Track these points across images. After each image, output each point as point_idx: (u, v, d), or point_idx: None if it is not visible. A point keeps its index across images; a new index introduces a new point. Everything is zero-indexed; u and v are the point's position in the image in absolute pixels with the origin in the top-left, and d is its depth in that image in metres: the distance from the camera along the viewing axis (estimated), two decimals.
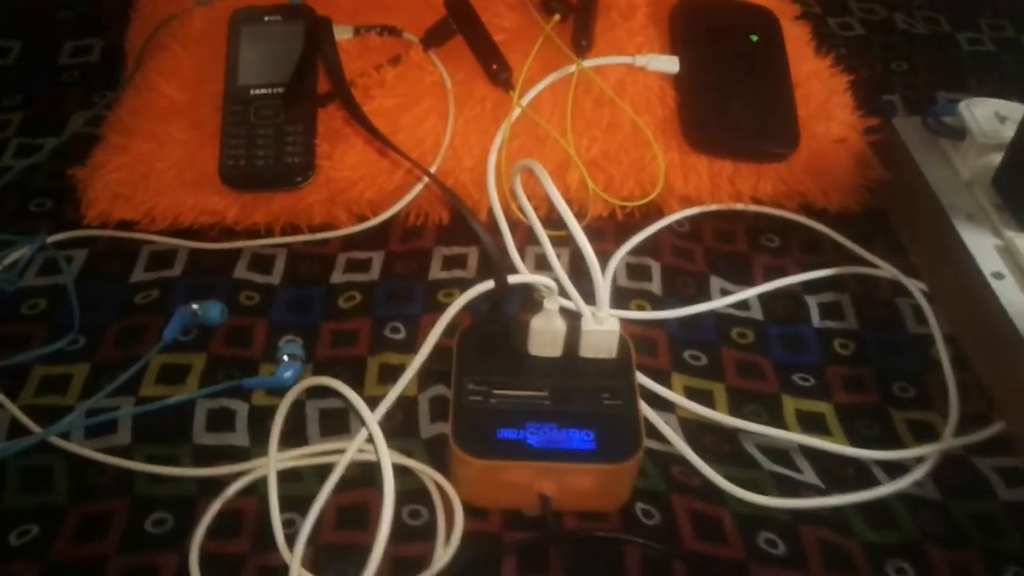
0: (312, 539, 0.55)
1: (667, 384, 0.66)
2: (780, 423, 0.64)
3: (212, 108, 0.74)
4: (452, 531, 0.56)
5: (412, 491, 0.59)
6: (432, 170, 0.73)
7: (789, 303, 0.73)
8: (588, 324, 0.60)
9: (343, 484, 0.58)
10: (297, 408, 0.62)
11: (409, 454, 0.60)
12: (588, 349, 0.61)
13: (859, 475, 0.62)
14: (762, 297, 0.73)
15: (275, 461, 0.57)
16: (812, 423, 0.65)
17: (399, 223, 0.77)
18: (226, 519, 0.56)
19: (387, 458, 0.52)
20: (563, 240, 0.72)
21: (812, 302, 0.73)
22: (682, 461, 0.61)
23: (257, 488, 0.58)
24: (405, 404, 0.63)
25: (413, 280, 0.72)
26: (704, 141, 0.75)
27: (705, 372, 0.67)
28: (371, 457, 0.59)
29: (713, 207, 0.78)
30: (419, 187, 0.73)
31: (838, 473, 0.62)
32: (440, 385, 0.64)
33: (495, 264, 0.57)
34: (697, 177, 0.75)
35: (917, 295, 0.72)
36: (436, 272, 0.73)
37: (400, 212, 0.76)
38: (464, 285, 0.70)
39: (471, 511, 0.57)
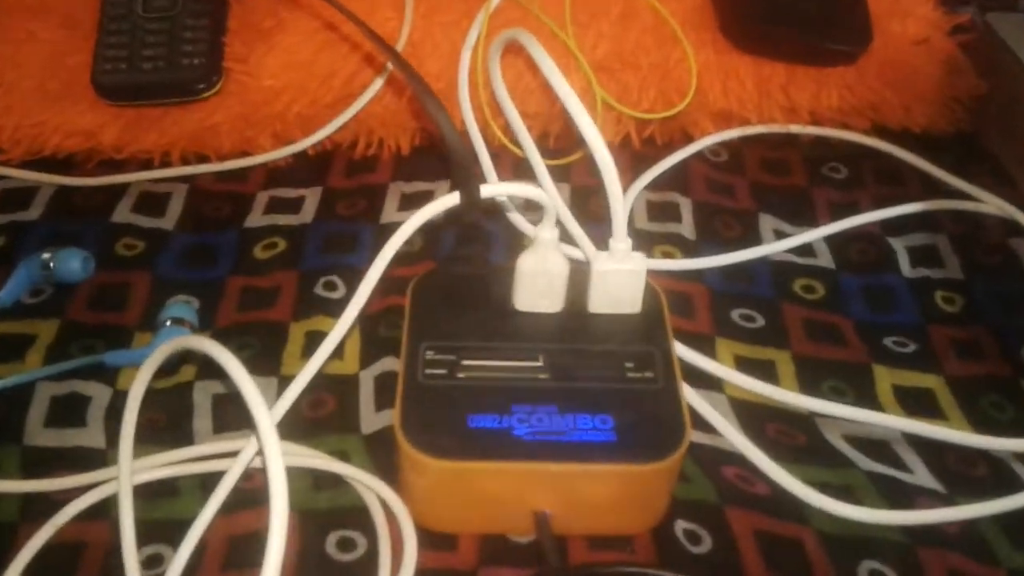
0: None
1: (711, 353, 0.47)
2: (873, 403, 0.45)
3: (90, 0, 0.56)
4: (400, 569, 0.37)
5: (343, 510, 0.39)
6: (380, 81, 0.55)
7: (868, 247, 0.54)
8: (602, 262, 0.41)
9: (238, 502, 0.39)
10: (180, 394, 0.43)
11: (343, 456, 0.41)
12: (601, 300, 0.42)
13: (994, 474, 0.43)
14: (831, 240, 0.54)
15: (128, 469, 0.38)
16: (917, 403, 0.46)
17: (342, 153, 0.58)
18: (57, 556, 0.37)
19: (277, 461, 0.33)
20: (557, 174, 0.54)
21: (899, 245, 0.54)
22: (739, 460, 0.42)
23: (108, 509, 0.39)
24: (339, 386, 0.44)
25: (359, 223, 0.53)
26: (749, 36, 0.56)
27: (762, 336, 0.48)
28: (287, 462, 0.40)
29: (759, 129, 0.59)
30: (373, 88, 0.54)
31: (964, 472, 0.43)
32: (391, 358, 0.45)
33: (461, 165, 0.37)
34: (739, 85, 0.57)
35: None
36: (391, 214, 0.54)
37: (344, 138, 0.57)
38: (430, 232, 0.52)
39: (430, 539, 0.38)
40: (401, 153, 0.58)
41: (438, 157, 0.58)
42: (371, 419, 0.43)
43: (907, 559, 0.39)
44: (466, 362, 0.39)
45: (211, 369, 0.44)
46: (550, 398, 0.38)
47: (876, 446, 0.44)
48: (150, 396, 0.42)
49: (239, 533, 0.38)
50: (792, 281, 0.52)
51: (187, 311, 0.46)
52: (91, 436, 0.41)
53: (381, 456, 0.41)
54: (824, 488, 0.41)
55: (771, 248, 0.53)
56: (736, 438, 0.43)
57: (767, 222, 0.55)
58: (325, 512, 0.39)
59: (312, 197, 0.55)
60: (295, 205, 0.54)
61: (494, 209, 0.53)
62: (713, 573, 0.38)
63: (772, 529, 0.40)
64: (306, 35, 0.54)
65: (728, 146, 0.60)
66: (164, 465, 0.40)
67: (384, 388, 0.44)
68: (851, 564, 0.39)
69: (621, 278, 0.41)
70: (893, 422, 0.44)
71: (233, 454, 0.40)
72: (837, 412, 0.44)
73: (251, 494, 0.39)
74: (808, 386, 0.46)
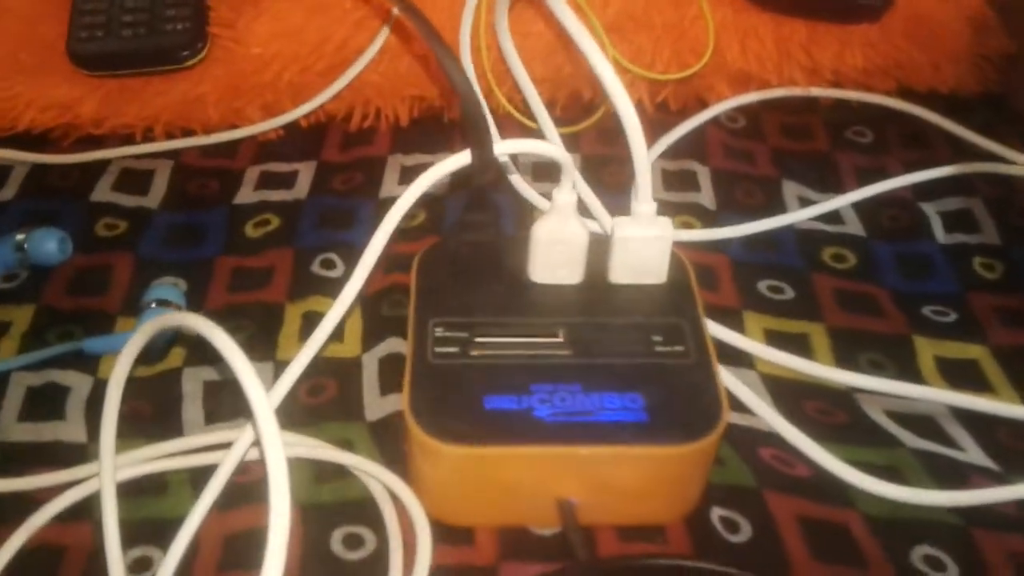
0: None
1: (739, 328, 0.44)
2: (915, 377, 0.42)
3: None
4: (414, 567, 0.34)
5: (349, 504, 0.36)
6: (377, 46, 0.51)
7: (899, 213, 0.51)
8: (624, 228, 0.37)
9: (233, 498, 0.35)
10: (167, 382, 0.40)
11: (346, 445, 0.38)
12: (624, 269, 0.38)
13: None
14: (859, 207, 0.51)
15: (111, 464, 0.34)
16: (963, 375, 0.42)
17: (337, 125, 0.54)
18: (35, 560, 0.34)
19: (277, 450, 0.29)
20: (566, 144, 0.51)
21: (931, 210, 0.51)
22: (776, 440, 0.39)
23: (91, 509, 0.35)
24: (340, 370, 0.41)
25: (357, 197, 0.50)
26: None
27: (793, 309, 0.45)
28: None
29: (779, 92, 0.56)
30: (369, 53, 0.51)
31: (1018, 447, 0.40)
32: (396, 339, 0.42)
33: (474, 120, 0.34)
34: (758, 44, 0.53)
35: None
36: (391, 187, 0.50)
37: (339, 108, 0.54)
38: (433, 203, 0.48)
39: (445, 533, 0.35)
40: (400, 124, 0.54)
41: (440, 128, 0.54)
42: (376, 404, 0.40)
43: (962, 543, 0.36)
44: (480, 339, 0.36)
45: (202, 354, 0.41)
46: (573, 376, 0.35)
47: (922, 422, 0.41)
48: (135, 384, 0.38)
49: (235, 532, 0.35)
50: (821, 250, 0.48)
51: (173, 293, 0.42)
52: (71, 430, 0.38)
53: (388, 444, 0.38)
54: (869, 468, 0.38)
55: (797, 216, 0.50)
56: (772, 417, 0.40)
57: (791, 189, 0.52)
58: (329, 506, 0.36)
59: (306, 172, 0.51)
60: (288, 180, 0.51)
61: (501, 180, 0.49)
62: (754, 563, 0.35)
63: (816, 514, 0.37)
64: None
65: (746, 111, 0.57)
66: (151, 459, 0.37)
67: (389, 371, 0.41)
68: (903, 549, 0.35)
69: (645, 245, 0.38)
70: (939, 395, 0.41)
71: (226, 446, 0.36)
72: (879, 387, 0.41)
73: (247, 489, 0.36)
74: (845, 360, 0.43)
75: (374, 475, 0.36)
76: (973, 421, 0.41)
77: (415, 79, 0.52)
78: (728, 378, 0.41)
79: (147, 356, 0.40)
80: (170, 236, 0.47)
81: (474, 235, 0.38)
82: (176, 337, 0.41)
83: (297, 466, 0.37)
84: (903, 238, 0.49)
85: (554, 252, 0.38)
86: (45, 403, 0.39)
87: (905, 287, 0.47)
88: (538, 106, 0.48)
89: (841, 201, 0.50)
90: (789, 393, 0.41)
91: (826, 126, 0.56)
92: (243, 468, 0.36)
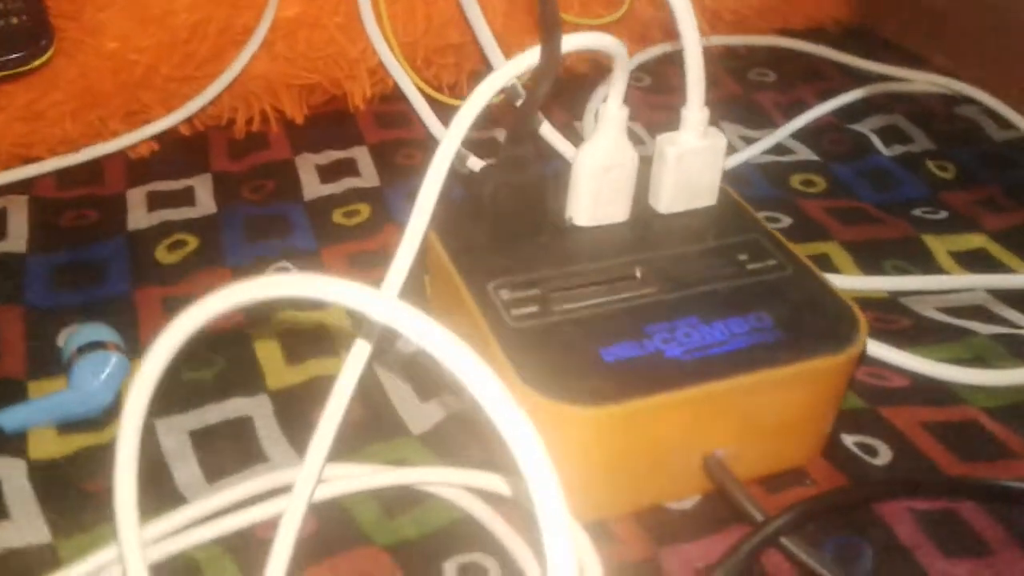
0: None
1: None
2: (938, 272, 0.40)
3: None
4: None
5: (442, 531, 0.28)
6: (263, 29, 0.43)
7: (837, 136, 0.50)
8: (677, 143, 0.32)
9: (299, 559, 0.26)
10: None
11: (403, 464, 0.29)
12: (675, 194, 0.33)
13: None
14: (798, 137, 0.49)
15: (137, 548, 0.23)
16: (979, 262, 0.41)
17: (221, 131, 0.45)
18: None
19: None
20: None
21: (863, 130, 0.50)
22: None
23: None
24: (359, 385, 0.32)
25: (279, 202, 0.41)
26: None
27: (800, 233, 0.42)
28: (339, 490, 0.28)
29: (668, 47, 0.54)
30: (256, 40, 0.42)
31: None
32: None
33: (547, 12, 0.27)
34: None
35: (990, 101, 0.52)
36: (315, 188, 0.42)
37: (219, 112, 0.45)
38: (370, 195, 0.41)
39: (598, 533, 0.28)
40: (295, 123, 0.46)
41: (340, 120, 0.46)
42: (419, 414, 0.31)
43: None
44: (554, 294, 0.29)
45: (168, 396, 0.31)
46: (683, 310, 0.29)
47: (977, 312, 0.38)
48: (86, 458, 0.28)
49: None
50: (789, 178, 0.46)
51: (105, 332, 0.31)
52: (22, 531, 0.26)
53: (447, 455, 0.30)
54: (959, 362, 0.35)
55: (750, 152, 0.47)
56: None
57: (728, 130, 0.49)
58: (419, 541, 0.27)
59: (202, 185, 0.42)
60: (184, 196, 0.41)
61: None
62: (914, 481, 0.30)
63: (939, 418, 0.33)
64: None
65: (648, 70, 0.54)
66: (167, 536, 0.26)
67: (422, 374, 0.33)
68: None
69: (700, 160, 0.33)
70: (985, 281, 0.39)
71: (267, 496, 0.27)
72: (926, 285, 0.39)
73: (313, 543, 0.27)
74: (871, 270, 0.40)
75: (467, 484, 0.28)
76: (1016, 299, 0.39)
77: (308, 62, 0.44)
78: None
79: (86, 420, 0.29)
80: (58, 278, 0.36)
81: (516, 174, 0.31)
82: (122, 383, 0.31)
83: (353, 507, 0.28)
84: (854, 157, 0.48)
85: (603, 183, 0.32)
86: None
87: (883, 198, 0.45)
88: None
89: (784, 132, 0.49)
90: None
91: (729, 73, 0.55)
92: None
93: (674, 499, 0.29)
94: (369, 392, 0.32)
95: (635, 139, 0.47)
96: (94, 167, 0.42)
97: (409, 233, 0.28)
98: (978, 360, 0.35)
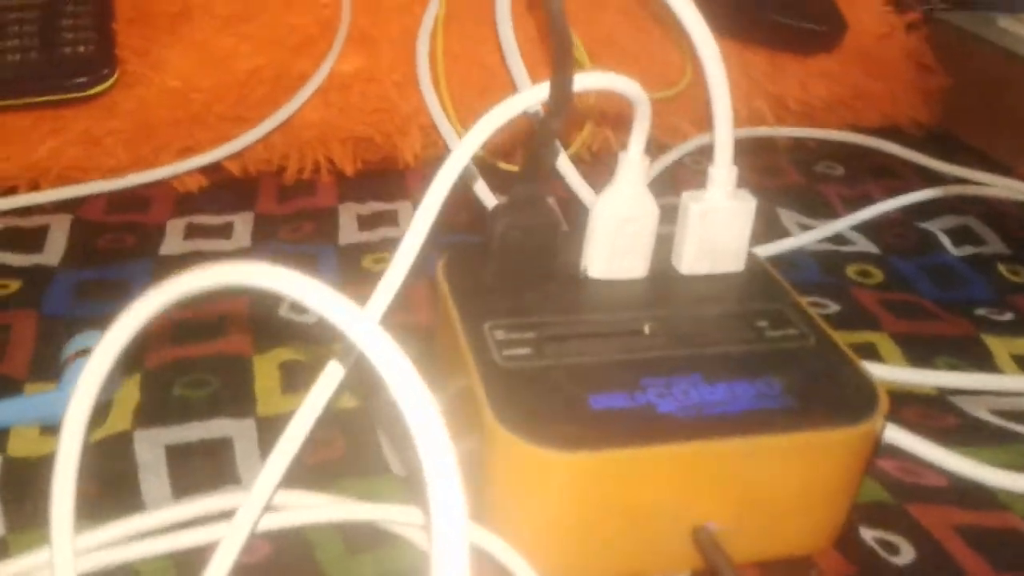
0: None
1: None
2: (997, 372, 0.37)
3: None
4: None
5: (402, 574, 0.26)
6: (319, 79, 0.44)
7: (904, 231, 0.47)
8: (702, 201, 0.31)
9: None
10: (114, 450, 0.29)
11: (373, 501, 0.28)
12: (698, 255, 0.32)
13: None
14: (861, 230, 0.47)
15: (69, 548, 0.22)
16: None
17: (272, 177, 0.46)
18: None
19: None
20: None
21: (932, 228, 0.48)
22: (892, 451, 0.32)
23: None
24: (347, 423, 0.31)
25: (314, 244, 0.41)
26: (727, 18, 0.50)
27: (846, 320, 0.39)
28: (307, 518, 0.27)
29: (745, 131, 0.53)
30: (313, 84, 0.43)
31: None
32: None
33: (560, 47, 0.27)
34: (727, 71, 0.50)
35: None
36: (352, 234, 0.42)
37: (272, 156, 0.45)
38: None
39: None
40: (345, 176, 0.46)
41: (390, 176, 0.47)
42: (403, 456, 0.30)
43: None
44: (552, 338, 0.28)
45: (155, 409, 0.30)
46: (686, 367, 0.27)
47: None
48: None
49: None
50: (844, 267, 0.44)
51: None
52: None
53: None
54: (1009, 468, 0.31)
55: (806, 238, 0.45)
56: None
57: (787, 217, 0.48)
58: None
59: (242, 223, 0.42)
60: (223, 231, 0.41)
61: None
62: None
63: (975, 522, 0.30)
64: (223, 18, 0.43)
65: (707, 153, 0.53)
66: (114, 544, 0.25)
67: None
68: None
69: (726, 220, 0.31)
70: None
71: (217, 518, 0.26)
72: (979, 384, 0.36)
73: (261, 571, 0.25)
74: (921, 365, 0.37)
75: (444, 531, 0.26)
76: None
77: (362, 115, 0.45)
78: None
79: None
80: (81, 292, 0.36)
81: (525, 216, 0.30)
82: (114, 393, 0.31)
83: (318, 539, 0.27)
84: (918, 253, 0.45)
85: (621, 234, 0.31)
86: None
87: (945, 295, 0.42)
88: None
89: (847, 222, 0.46)
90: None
91: (794, 163, 0.53)
92: (248, 546, 0.26)
93: (660, 573, 0.27)
94: (355, 428, 0.31)
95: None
96: (142, 196, 0.43)
97: (399, 255, 0.28)
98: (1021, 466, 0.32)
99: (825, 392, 0.27)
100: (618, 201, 0.30)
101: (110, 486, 0.28)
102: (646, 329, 0.29)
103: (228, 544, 0.25)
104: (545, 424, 0.25)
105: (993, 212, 0.49)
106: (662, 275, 0.32)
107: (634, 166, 0.30)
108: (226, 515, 0.26)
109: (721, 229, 0.32)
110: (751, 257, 0.33)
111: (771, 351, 0.29)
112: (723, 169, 0.31)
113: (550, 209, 0.31)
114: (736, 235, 0.32)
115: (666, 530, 0.26)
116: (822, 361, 0.28)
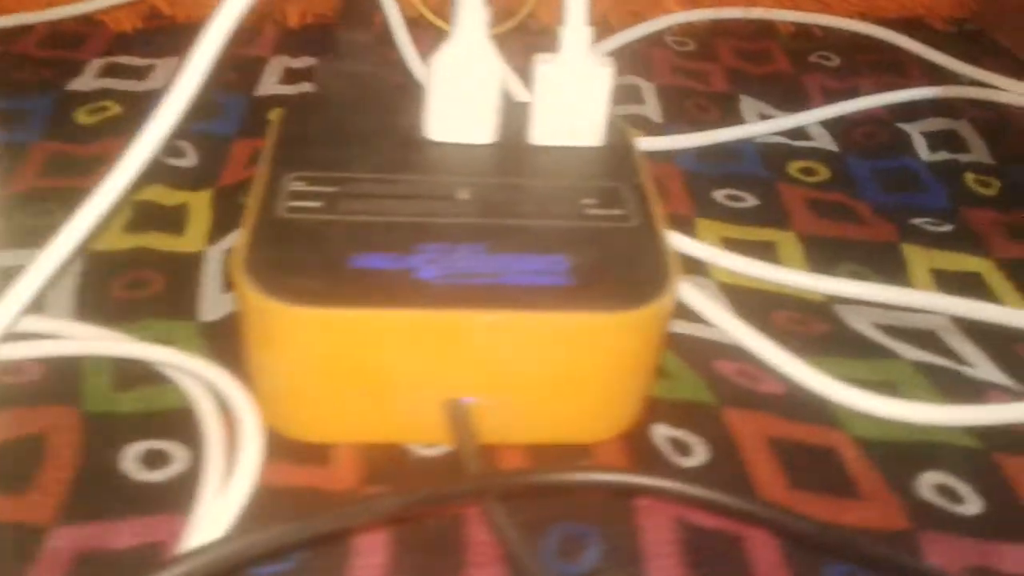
0: None
1: (690, 234, 0.35)
2: (904, 285, 0.34)
3: None
4: (231, 483, 0.24)
5: (157, 414, 0.26)
6: None
7: (875, 130, 0.43)
8: (550, 64, 0.29)
9: None
10: None
11: (169, 345, 0.28)
12: (549, 124, 0.30)
13: None
14: (829, 125, 0.43)
15: None
16: (964, 287, 0.34)
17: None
18: None
19: None
20: None
21: (912, 130, 0.43)
22: (738, 353, 0.30)
23: None
24: (173, 265, 0.31)
25: (227, 93, 0.41)
26: None
27: (757, 216, 0.37)
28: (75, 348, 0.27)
29: (733, 12, 0.48)
30: None
31: None
32: None
33: None
34: None
35: None
36: (270, 86, 0.41)
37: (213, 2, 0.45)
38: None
39: (293, 450, 0.25)
40: (287, 25, 0.46)
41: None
42: (215, 302, 0.30)
43: (982, 469, 0.27)
44: (351, 195, 0.27)
45: None
46: (475, 236, 0.26)
47: (921, 337, 0.32)
48: None
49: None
50: (787, 163, 0.40)
51: None
52: None
53: (226, 350, 0.28)
54: (859, 383, 0.29)
55: (756, 129, 0.42)
56: (733, 326, 0.31)
57: (749, 105, 0.44)
58: (126, 417, 0.26)
59: (165, 67, 0.42)
60: (140, 72, 0.41)
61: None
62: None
63: (792, 435, 0.28)
64: None
65: (695, 35, 0.49)
66: None
67: None
68: (906, 476, 0.26)
69: (578, 87, 0.29)
70: (943, 303, 0.32)
71: None
72: (868, 294, 0.33)
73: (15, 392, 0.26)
74: (820, 269, 0.34)
75: (194, 372, 0.26)
76: (984, 335, 0.32)
77: None
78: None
79: None
80: None
81: (352, 63, 0.29)
82: None
83: (93, 369, 0.27)
84: (882, 154, 0.41)
85: (459, 93, 0.29)
86: None
87: (888, 200, 0.39)
88: None
89: (808, 117, 0.43)
90: (754, 304, 0.32)
91: (787, 52, 0.49)
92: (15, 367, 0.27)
93: (414, 441, 0.26)
94: (182, 272, 0.31)
95: (635, 98, 0.43)
96: (78, 34, 0.43)
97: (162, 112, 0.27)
98: (885, 385, 0.29)
99: (613, 275, 0.25)
100: (458, 56, 0.28)
101: None
102: (461, 195, 0.28)
103: None
104: (291, 277, 0.24)
105: (996, 119, 0.44)
106: (511, 143, 0.30)
107: (470, 26, 0.28)
108: None
109: (573, 97, 0.29)
110: (619, 132, 0.31)
111: (580, 228, 0.27)
112: (575, 31, 0.28)
113: (383, 59, 0.29)
114: (590, 106, 0.29)
115: (417, 399, 0.25)
116: (629, 244, 0.26)
